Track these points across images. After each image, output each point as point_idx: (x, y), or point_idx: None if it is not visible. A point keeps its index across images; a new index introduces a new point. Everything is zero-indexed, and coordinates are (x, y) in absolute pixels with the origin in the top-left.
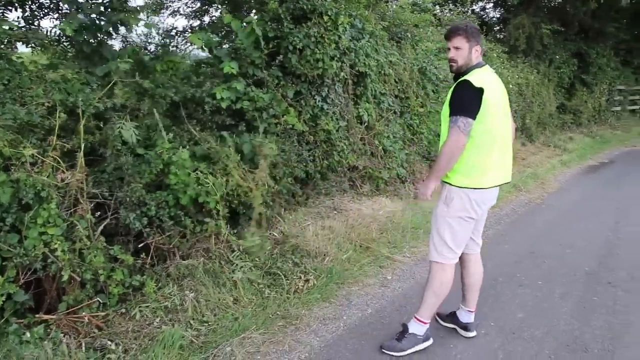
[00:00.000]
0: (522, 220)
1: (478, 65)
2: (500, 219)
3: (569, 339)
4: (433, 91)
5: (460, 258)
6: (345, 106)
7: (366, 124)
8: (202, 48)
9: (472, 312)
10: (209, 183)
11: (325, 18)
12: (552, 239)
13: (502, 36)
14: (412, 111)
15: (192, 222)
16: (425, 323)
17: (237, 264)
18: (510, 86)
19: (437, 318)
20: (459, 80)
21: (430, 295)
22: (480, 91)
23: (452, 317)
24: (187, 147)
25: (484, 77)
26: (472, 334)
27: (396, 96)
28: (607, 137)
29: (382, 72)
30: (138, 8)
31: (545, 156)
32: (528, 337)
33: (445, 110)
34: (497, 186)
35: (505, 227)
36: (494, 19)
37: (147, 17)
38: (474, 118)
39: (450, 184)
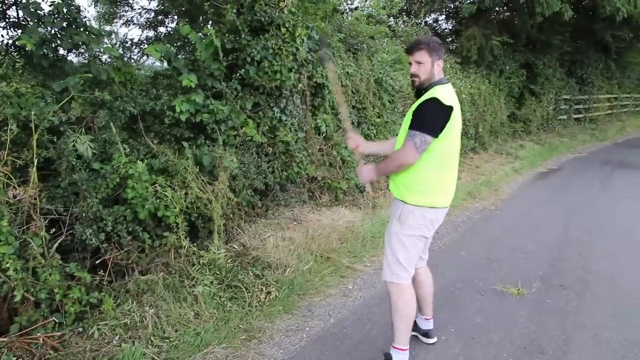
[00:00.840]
0: (477, 226)
1: (441, 82)
2: (456, 226)
3: (526, 342)
4: (389, 101)
5: None
6: (303, 117)
7: (324, 134)
8: (160, 59)
9: (429, 319)
10: (167, 196)
11: (283, 30)
12: (507, 245)
13: (454, 47)
14: (369, 121)
15: (150, 236)
16: (404, 350)
17: (197, 278)
18: (464, 96)
19: None
20: (429, 97)
21: (399, 320)
22: (449, 109)
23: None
24: (145, 160)
25: (450, 95)
26: (433, 340)
27: (353, 107)
28: (555, 145)
29: (340, 83)
30: (103, 32)
31: (498, 164)
32: (486, 341)
33: (407, 120)
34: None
35: (461, 234)
36: (447, 30)
37: (99, 25)
38: (435, 136)
39: (407, 203)
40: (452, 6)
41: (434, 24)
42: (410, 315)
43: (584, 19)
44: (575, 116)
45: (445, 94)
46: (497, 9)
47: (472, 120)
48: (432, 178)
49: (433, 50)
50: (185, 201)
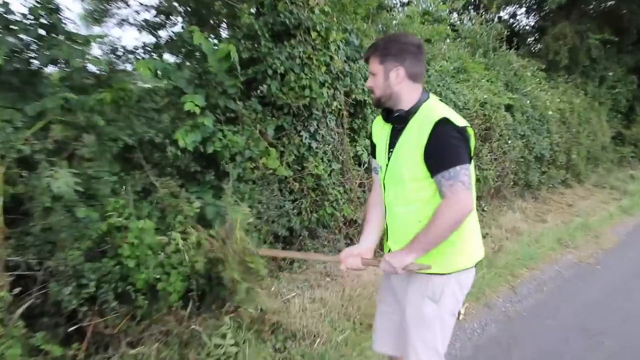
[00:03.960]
0: (570, 286)
1: (422, 99)
2: (541, 284)
3: None
4: None
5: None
6: (339, 144)
7: (366, 165)
8: (156, 76)
9: None
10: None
11: (314, 34)
12: (612, 312)
13: (538, 49)
14: None
15: (145, 299)
16: None
17: (200, 352)
18: (550, 112)
19: None
20: (439, 119)
21: None
22: (464, 131)
23: None
24: (150, 212)
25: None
26: None
27: None
28: None
29: None
30: (90, 39)
31: (599, 201)
32: None
33: (406, 163)
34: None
35: (548, 296)
36: (528, 27)
37: (87, 25)
38: (470, 163)
39: (439, 274)
40: None
41: (511, 20)
42: None
43: None
44: None
45: (443, 109)
46: None
47: (562, 145)
48: (471, 224)
49: (386, 54)
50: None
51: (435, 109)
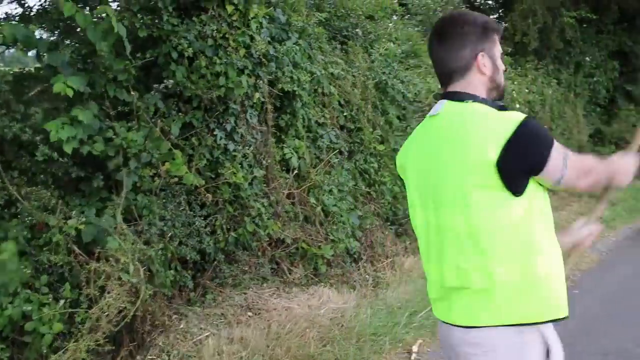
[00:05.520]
0: None
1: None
2: None
3: None
4: (399, 117)
5: None
6: (262, 145)
7: (296, 171)
8: (21, 50)
9: None
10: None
11: (230, 9)
12: (592, 342)
13: (503, 29)
14: (367, 150)
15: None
16: None
17: None
18: (517, 105)
19: None
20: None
21: None
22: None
23: None
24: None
25: None
26: None
27: (342, 127)
28: None
29: (320, 90)
30: None
31: (576, 212)
32: None
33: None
34: None
35: None
36: (490, 2)
37: None
38: None
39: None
40: None
41: None
42: None
43: None
44: None
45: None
46: None
47: None
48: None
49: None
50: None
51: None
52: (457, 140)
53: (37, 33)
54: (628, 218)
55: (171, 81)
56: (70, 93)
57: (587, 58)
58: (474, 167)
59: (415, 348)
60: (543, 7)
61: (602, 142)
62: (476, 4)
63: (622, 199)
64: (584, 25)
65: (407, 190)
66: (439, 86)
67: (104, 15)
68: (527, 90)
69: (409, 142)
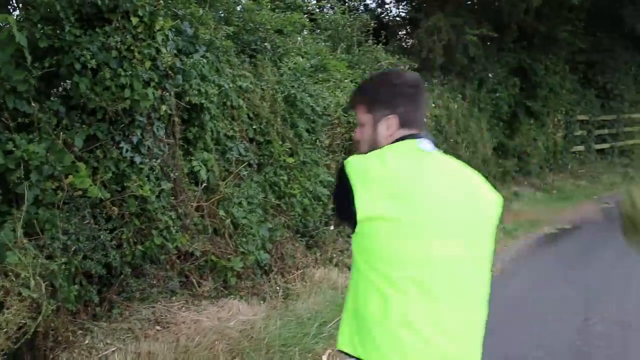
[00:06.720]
0: None
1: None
2: None
3: None
4: (308, 131)
5: None
6: (170, 158)
7: (204, 184)
8: None
9: None
10: None
11: (134, 20)
12: (493, 351)
13: (409, 45)
14: (277, 162)
15: None
16: None
17: None
18: (425, 119)
19: None
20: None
21: None
22: (342, 168)
23: None
24: None
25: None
26: None
27: (251, 140)
28: (567, 191)
29: (229, 103)
30: None
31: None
32: None
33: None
34: None
35: None
36: (398, 19)
37: None
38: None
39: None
40: None
41: (379, 9)
42: None
43: (604, 1)
44: (598, 146)
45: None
46: None
47: None
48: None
49: (375, 101)
50: None
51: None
52: (474, 187)
53: None
54: (529, 228)
55: (69, 82)
56: None
57: (490, 74)
58: (493, 217)
59: (324, 358)
60: (447, 24)
61: (505, 155)
62: (385, 21)
63: (523, 209)
64: (487, 43)
65: (410, 219)
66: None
67: (4, 23)
68: (433, 105)
69: (405, 169)
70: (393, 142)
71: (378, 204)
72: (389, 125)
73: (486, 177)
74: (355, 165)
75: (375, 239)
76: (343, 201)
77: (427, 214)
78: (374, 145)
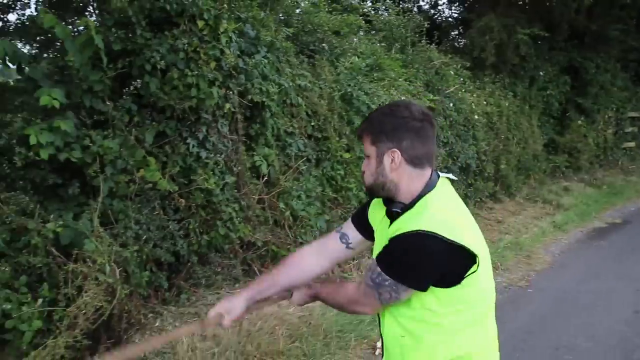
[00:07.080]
0: (499, 312)
1: (426, 190)
2: None
3: None
4: None
5: None
6: (233, 153)
7: (266, 178)
8: (3, 63)
9: None
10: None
11: (200, 24)
12: (545, 340)
13: (462, 44)
14: (334, 158)
15: None
16: None
17: None
18: (476, 117)
19: None
20: (403, 233)
21: None
22: (452, 248)
23: None
24: None
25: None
26: None
27: (310, 136)
28: (617, 186)
29: (288, 101)
30: None
31: (531, 216)
32: None
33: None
34: None
35: None
36: (451, 20)
37: None
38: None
39: None
40: None
41: (432, 11)
42: None
43: None
44: None
45: (435, 210)
46: None
47: (490, 153)
48: None
49: (380, 133)
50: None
51: (421, 213)
52: None
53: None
54: (579, 222)
55: (140, 82)
56: (57, 105)
57: (541, 73)
58: None
59: (379, 344)
60: (499, 24)
61: (556, 151)
62: (437, 21)
63: (573, 204)
64: (538, 42)
65: (483, 255)
66: (402, 97)
67: (81, 28)
68: (485, 103)
69: (453, 210)
70: (424, 191)
71: (473, 247)
72: (393, 159)
73: (537, 172)
74: (438, 228)
75: (479, 278)
76: (454, 265)
77: (482, 248)
78: (379, 179)
